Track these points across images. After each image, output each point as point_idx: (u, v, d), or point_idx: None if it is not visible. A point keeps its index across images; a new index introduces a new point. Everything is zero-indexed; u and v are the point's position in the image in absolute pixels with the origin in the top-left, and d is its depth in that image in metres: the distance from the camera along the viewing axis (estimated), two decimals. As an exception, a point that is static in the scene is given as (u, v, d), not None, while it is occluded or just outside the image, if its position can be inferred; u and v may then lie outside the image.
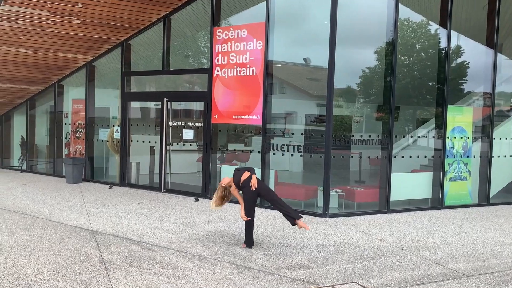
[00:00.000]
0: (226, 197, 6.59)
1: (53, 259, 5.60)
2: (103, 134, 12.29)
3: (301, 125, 12.85)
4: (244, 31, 9.36)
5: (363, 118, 11.14)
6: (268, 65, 9.14)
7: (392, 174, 9.20)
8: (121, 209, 8.81)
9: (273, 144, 9.32)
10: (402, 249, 6.68)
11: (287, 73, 11.52)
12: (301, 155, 9.33)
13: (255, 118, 9.29)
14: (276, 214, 8.66)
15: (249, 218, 6.38)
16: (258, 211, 8.21)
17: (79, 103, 12.54)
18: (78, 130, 12.61)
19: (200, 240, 6.77)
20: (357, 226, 7.95)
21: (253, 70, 9.25)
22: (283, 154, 9.40)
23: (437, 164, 9.86)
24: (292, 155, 9.27)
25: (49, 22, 10.12)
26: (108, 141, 12.09)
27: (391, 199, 9.20)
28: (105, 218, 8.02)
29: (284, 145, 9.32)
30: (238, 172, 6.55)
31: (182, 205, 9.36)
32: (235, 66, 9.48)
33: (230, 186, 6.52)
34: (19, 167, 14.06)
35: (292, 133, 10.35)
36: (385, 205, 9.20)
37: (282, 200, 6.50)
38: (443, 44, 9.86)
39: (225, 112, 9.68)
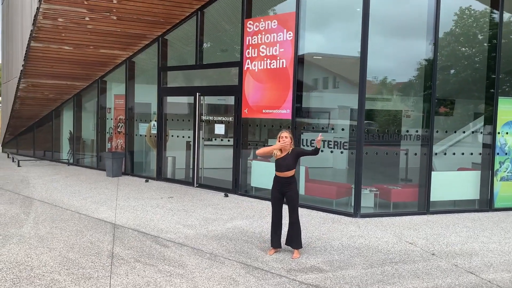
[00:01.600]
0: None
1: (64, 252, 5.63)
2: (142, 129, 12.46)
3: (346, 120, 12.30)
4: (274, 22, 9.04)
5: (413, 113, 10.40)
6: (298, 56, 8.76)
7: (433, 173, 8.51)
8: (150, 203, 8.83)
9: (306, 139, 8.90)
10: (433, 254, 6.10)
11: (338, 66, 10.98)
12: (341, 152, 8.88)
13: (284, 112, 8.95)
14: (302, 212, 8.29)
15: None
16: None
17: (120, 98, 12.80)
18: (119, 125, 12.87)
19: (217, 237, 6.57)
20: (388, 228, 7.41)
21: (283, 62, 8.91)
22: (322, 151, 8.93)
23: (486, 162, 9.01)
24: (332, 151, 8.87)
25: (87, 19, 10.34)
26: (146, 135, 12.24)
27: (431, 199, 8.52)
28: (131, 211, 8.05)
29: (324, 141, 8.88)
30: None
31: (210, 200, 9.23)
32: (265, 59, 9.18)
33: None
34: (67, 161, 14.63)
35: (333, 129, 9.84)
36: (424, 206, 8.53)
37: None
38: (493, 30, 8.97)
39: (255, 106, 9.42)
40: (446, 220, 8.05)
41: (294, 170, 5.89)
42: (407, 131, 8.73)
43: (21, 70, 12.41)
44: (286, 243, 5.96)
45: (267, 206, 8.63)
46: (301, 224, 7.24)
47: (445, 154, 9.04)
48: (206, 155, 10.93)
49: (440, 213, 8.52)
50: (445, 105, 10.03)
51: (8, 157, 16.30)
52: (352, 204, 8.43)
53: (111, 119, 13.23)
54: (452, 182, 8.83)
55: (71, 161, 14.57)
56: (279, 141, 5.86)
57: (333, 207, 8.56)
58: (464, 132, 9.75)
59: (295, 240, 5.86)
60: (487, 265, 5.71)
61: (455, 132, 9.28)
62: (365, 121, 10.04)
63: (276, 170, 5.92)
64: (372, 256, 5.92)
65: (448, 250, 6.28)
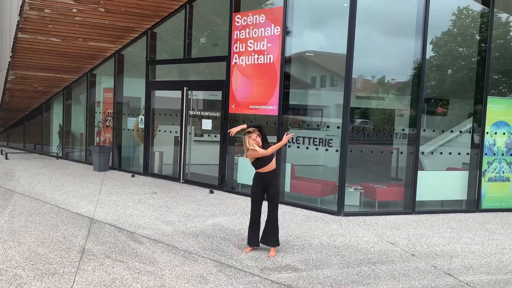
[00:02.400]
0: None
1: (33, 247, 5.51)
2: (130, 123, 12.33)
3: (338, 119, 12.16)
4: (262, 16, 8.89)
5: (405, 112, 10.24)
6: (285, 52, 8.61)
7: (419, 172, 8.39)
8: (132, 198, 8.71)
9: (303, 138, 8.73)
10: (413, 255, 5.99)
11: (327, 63, 10.83)
12: (326, 149, 8.73)
13: (271, 109, 8.82)
14: (285, 210, 8.19)
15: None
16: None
17: (109, 92, 12.66)
18: (108, 118, 12.74)
19: (194, 234, 6.45)
20: (371, 227, 7.29)
21: (270, 57, 8.77)
22: (317, 149, 8.83)
23: (474, 163, 8.89)
24: (317, 148, 8.73)
25: (74, 10, 10.18)
26: (134, 130, 12.11)
27: (417, 199, 8.40)
28: (111, 206, 7.93)
29: (316, 138, 8.72)
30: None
31: (194, 196, 9.11)
32: (253, 54, 9.04)
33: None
34: (56, 154, 14.50)
35: (328, 126, 9.64)
36: (410, 205, 8.42)
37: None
38: (483, 29, 8.84)
39: (242, 102, 9.28)
40: (431, 221, 7.93)
41: (274, 161, 5.77)
42: (402, 130, 8.59)
43: (9, 62, 12.27)
44: (261, 241, 5.83)
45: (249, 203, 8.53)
46: (283, 222, 7.17)
47: (432, 153, 8.92)
48: (195, 150, 10.79)
49: (425, 213, 8.41)
50: (437, 104, 9.92)
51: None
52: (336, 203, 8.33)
53: (100, 112, 13.09)
54: (439, 182, 8.71)
55: (60, 154, 14.44)
56: (249, 145, 5.64)
57: (317, 205, 8.43)
58: (453, 131, 9.63)
59: (272, 238, 5.73)
60: (467, 267, 5.60)
61: (443, 131, 9.16)
62: (359, 119, 9.99)
63: (259, 168, 5.73)
64: (350, 256, 5.80)
65: (429, 251, 6.16)
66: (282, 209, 8.27)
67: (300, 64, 9.52)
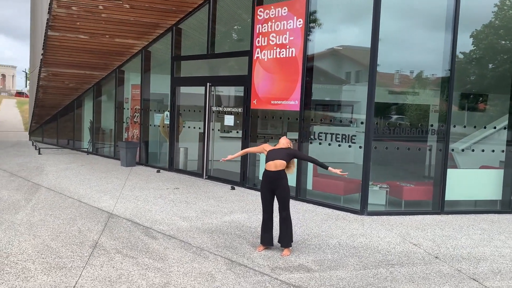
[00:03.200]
0: None
1: (48, 240, 5.55)
2: (157, 119, 12.40)
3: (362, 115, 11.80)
4: (284, 9, 8.68)
5: (438, 107, 9.77)
6: (307, 45, 8.37)
7: (449, 170, 7.97)
8: (154, 193, 8.71)
9: (327, 134, 8.46)
10: (436, 257, 5.65)
11: (353, 56, 10.51)
12: (349, 146, 8.43)
13: (292, 104, 8.60)
14: (307, 208, 7.97)
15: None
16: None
17: (137, 88, 12.77)
18: (135, 115, 12.86)
19: (210, 231, 6.35)
20: (395, 227, 6.97)
21: (292, 51, 8.55)
22: (339, 145, 8.57)
23: (510, 161, 8.37)
24: (350, 146, 8.44)
25: (100, 7, 10.29)
26: (160, 126, 12.16)
27: (446, 198, 7.98)
28: (132, 201, 7.95)
29: (344, 135, 8.42)
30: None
31: (215, 193, 9.02)
32: (275, 48, 8.85)
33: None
34: (86, 149, 14.80)
35: (362, 122, 9.31)
36: (438, 205, 8.01)
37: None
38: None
39: (264, 97, 9.11)
40: (461, 221, 7.51)
41: (284, 164, 5.54)
42: (431, 126, 8.19)
43: (41, 59, 12.58)
44: (278, 241, 5.65)
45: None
46: (302, 221, 6.97)
47: (463, 151, 8.45)
48: (221, 147, 10.68)
49: (455, 214, 7.99)
50: (476, 100, 9.42)
51: (32, 145, 16.67)
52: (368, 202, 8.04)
53: (128, 109, 13.24)
54: (471, 181, 8.25)
55: (90, 150, 14.73)
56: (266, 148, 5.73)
57: (340, 204, 8.16)
58: (487, 127, 9.09)
59: (284, 238, 5.54)
60: (495, 271, 5.22)
61: (475, 127, 8.65)
62: (391, 115, 9.62)
63: (266, 163, 5.60)
64: (368, 257, 5.54)
65: (455, 254, 5.81)
66: (304, 207, 8.07)
67: (325, 58, 9.24)
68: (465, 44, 8.57)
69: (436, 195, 8.09)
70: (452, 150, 8.54)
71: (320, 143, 8.44)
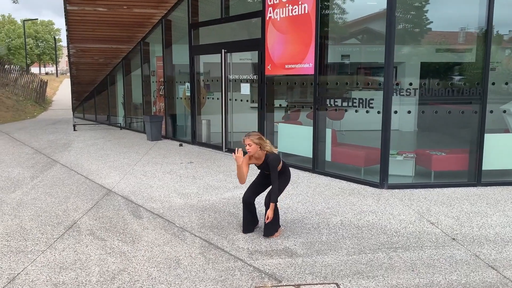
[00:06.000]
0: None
1: (25, 221, 5.33)
2: (181, 91, 12.00)
3: (412, 77, 10.68)
4: (295, -39, 7.77)
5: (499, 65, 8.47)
6: None
7: (486, 135, 6.87)
8: (165, 168, 8.36)
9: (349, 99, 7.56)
10: (453, 239, 4.80)
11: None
12: (366, 111, 7.50)
13: (306, 67, 7.78)
14: (321, 181, 7.25)
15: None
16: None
17: (160, 60, 12.40)
18: (161, 87, 12.54)
19: (203, 208, 5.87)
20: (415, 202, 6.10)
21: (304, 7, 7.67)
22: (367, 111, 7.67)
23: None
24: (356, 111, 7.53)
25: (113, -24, 9.91)
26: (182, 98, 11.77)
27: (483, 168, 6.92)
28: (138, 177, 7.64)
29: (362, 99, 7.53)
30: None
31: (228, 166, 8.51)
32: (287, 5, 7.99)
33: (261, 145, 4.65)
34: (120, 125, 14.82)
35: (411, 83, 8.28)
36: (474, 176, 6.98)
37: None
38: None
39: (278, 61, 8.34)
40: (499, 195, 6.47)
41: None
42: (464, 84, 7.09)
43: (67, 36, 12.53)
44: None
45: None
46: (310, 196, 6.38)
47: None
48: (244, 118, 10.03)
49: (495, 185, 6.92)
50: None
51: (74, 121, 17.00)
52: (391, 173, 7.20)
53: (154, 82, 12.95)
54: (515, 147, 7.09)
55: (124, 125, 14.72)
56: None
57: (360, 176, 7.35)
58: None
59: (266, 226, 4.90)
60: (523, 257, 4.31)
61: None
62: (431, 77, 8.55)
63: None
64: (370, 239, 4.80)
65: (478, 235, 4.91)
66: (319, 180, 7.37)
67: (342, 14, 8.24)
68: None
69: (471, 165, 7.04)
70: (504, 111, 7.39)
71: (367, 111, 7.42)
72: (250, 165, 4.90)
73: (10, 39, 50.85)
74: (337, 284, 3.78)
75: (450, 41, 8.95)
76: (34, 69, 64.71)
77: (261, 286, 3.74)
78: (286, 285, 3.76)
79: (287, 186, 5.16)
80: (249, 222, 5.01)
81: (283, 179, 4.84)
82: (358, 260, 4.25)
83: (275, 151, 4.78)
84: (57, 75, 53.92)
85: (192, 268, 4.06)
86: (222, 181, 7.37)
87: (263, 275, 3.94)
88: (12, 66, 24.95)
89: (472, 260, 4.25)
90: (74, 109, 18.66)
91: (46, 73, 62.49)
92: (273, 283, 3.79)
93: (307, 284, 3.78)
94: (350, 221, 5.36)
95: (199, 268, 4.06)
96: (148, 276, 3.89)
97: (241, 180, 4.72)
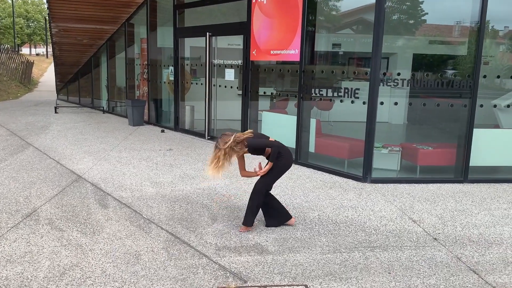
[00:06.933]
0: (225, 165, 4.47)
1: (-18, 207, 4.99)
2: (165, 75, 11.59)
3: (403, 69, 10.36)
4: None
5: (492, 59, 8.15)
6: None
7: (475, 130, 6.60)
8: (142, 155, 8.02)
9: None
10: (435, 239, 4.53)
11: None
12: (351, 102, 7.18)
13: (292, 53, 7.44)
14: (302, 173, 6.95)
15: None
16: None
17: (145, 42, 11.96)
18: (145, 71, 12.12)
19: (175, 199, 5.55)
20: (398, 198, 5.83)
21: (291, -11, 7.30)
22: (352, 102, 7.33)
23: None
24: (341, 101, 7.21)
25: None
26: (166, 82, 11.37)
27: (470, 164, 6.66)
28: (112, 163, 7.30)
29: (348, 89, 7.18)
30: (258, 135, 4.67)
31: (209, 155, 8.14)
32: (273, -13, 7.62)
33: (234, 148, 4.39)
34: (102, 108, 14.40)
35: (399, 73, 7.93)
36: (461, 172, 6.72)
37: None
38: None
39: (264, 47, 7.98)
40: (486, 192, 6.22)
41: (266, 151, 4.54)
42: (453, 76, 6.79)
43: (48, 14, 12.03)
44: None
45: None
46: (290, 188, 6.09)
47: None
48: (232, 105, 9.66)
49: (482, 182, 6.67)
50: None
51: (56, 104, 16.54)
52: (375, 166, 6.92)
53: (138, 65, 12.52)
54: (505, 143, 6.83)
55: (106, 109, 14.30)
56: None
57: (343, 169, 7.06)
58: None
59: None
60: (507, 261, 4.05)
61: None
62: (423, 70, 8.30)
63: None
64: (347, 236, 4.52)
65: (461, 235, 4.65)
66: (300, 172, 7.07)
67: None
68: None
69: (459, 160, 6.78)
70: (494, 106, 7.12)
71: (364, 103, 7.07)
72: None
73: (0, 18, 49.71)
74: (306, 286, 3.50)
75: (444, 34, 8.66)
76: (25, 50, 63.58)
77: (224, 287, 3.45)
78: (251, 286, 3.47)
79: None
80: (267, 215, 4.72)
81: (277, 144, 4.53)
82: (332, 260, 3.97)
83: (248, 133, 4.49)
84: (47, 56, 52.79)
85: (152, 265, 3.75)
86: (200, 170, 7.05)
87: (228, 274, 3.64)
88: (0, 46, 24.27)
89: (453, 263, 3.98)
90: (58, 91, 18.20)
91: (37, 54, 61.29)
92: (237, 284, 3.50)
93: (274, 286, 3.49)
94: (328, 217, 5.07)
95: (159, 265, 3.76)
96: (102, 273, 3.58)
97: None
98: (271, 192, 4.75)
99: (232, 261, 3.88)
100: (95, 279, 3.48)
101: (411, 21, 8.85)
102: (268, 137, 4.64)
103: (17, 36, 49.45)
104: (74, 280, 3.44)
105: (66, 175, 6.50)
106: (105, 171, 6.80)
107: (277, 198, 4.85)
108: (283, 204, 4.88)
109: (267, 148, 4.49)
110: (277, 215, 4.71)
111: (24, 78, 23.90)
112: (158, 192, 5.84)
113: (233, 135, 4.39)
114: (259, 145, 4.47)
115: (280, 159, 4.50)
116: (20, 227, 4.47)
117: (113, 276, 3.53)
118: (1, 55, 23.24)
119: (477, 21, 6.54)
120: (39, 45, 72.05)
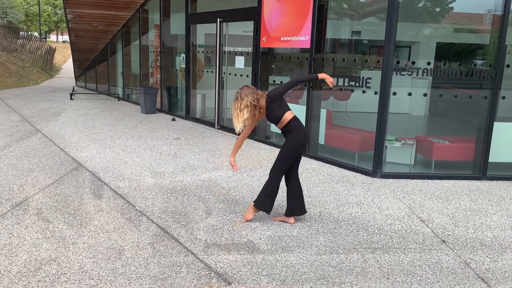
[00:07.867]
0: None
1: (-26, 195, 4.89)
2: (178, 62, 11.38)
3: (426, 58, 9.89)
4: None
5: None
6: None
7: (495, 124, 6.15)
8: (148, 143, 7.86)
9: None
10: (443, 241, 4.19)
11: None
12: (363, 91, 6.81)
13: (303, 40, 7.09)
14: (311, 166, 6.64)
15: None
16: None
17: (158, 29, 11.76)
18: (158, 58, 11.95)
19: (173, 190, 5.35)
20: (408, 195, 5.48)
21: (303, -28, 6.94)
22: (376, 93, 6.98)
23: None
24: (352, 91, 6.85)
25: None
26: (179, 70, 11.16)
27: (489, 160, 6.23)
28: (116, 152, 7.15)
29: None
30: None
31: (216, 145, 7.95)
32: (285, -29, 7.27)
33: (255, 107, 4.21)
34: (117, 95, 14.33)
35: (413, 62, 7.48)
36: (479, 168, 6.29)
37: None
38: None
39: (274, 33, 7.66)
40: (505, 191, 5.80)
41: (284, 119, 4.30)
42: (474, 65, 6.33)
43: (63, 0, 11.96)
44: None
45: (269, 157, 7.17)
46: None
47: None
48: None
49: (502, 180, 6.24)
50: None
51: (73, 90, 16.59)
52: (388, 160, 6.58)
53: (152, 52, 12.35)
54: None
55: (121, 96, 14.23)
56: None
57: (353, 163, 6.72)
58: None
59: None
60: (521, 268, 3.69)
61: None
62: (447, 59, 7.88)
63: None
64: (347, 236, 4.22)
65: (473, 238, 4.28)
66: (308, 165, 6.76)
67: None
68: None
69: (477, 155, 6.35)
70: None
71: (375, 93, 6.72)
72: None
73: (28, 5, 50.49)
74: (294, 290, 3.24)
75: (471, 22, 8.16)
76: (53, 37, 64.49)
77: (206, 289, 3.22)
78: (235, 289, 3.23)
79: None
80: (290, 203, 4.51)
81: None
82: (327, 262, 3.69)
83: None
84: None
85: (134, 262, 3.55)
86: (203, 160, 6.83)
87: (213, 275, 3.41)
88: (23, 33, 24.58)
89: (460, 269, 3.65)
90: (77, 77, 18.26)
91: (63, 41, 62.21)
92: (220, 285, 3.26)
93: (259, 289, 3.24)
94: (330, 214, 4.78)
95: (141, 262, 3.55)
96: (79, 269, 3.40)
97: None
98: (298, 178, 4.53)
99: (219, 260, 3.64)
100: (70, 275, 3.30)
101: (437, 9, 8.38)
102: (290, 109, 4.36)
103: (45, 24, 50.19)
104: (48, 277, 3.26)
105: (67, 163, 6.38)
106: (107, 160, 6.66)
107: (293, 187, 4.50)
108: (285, 200, 4.61)
109: (283, 117, 4.26)
110: (288, 203, 4.49)
111: (46, 64, 24.15)
112: (156, 182, 5.65)
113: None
114: (280, 92, 4.28)
115: (290, 138, 4.27)
116: (7, 217, 4.34)
117: (90, 273, 3.34)
118: (25, 41, 23.51)
119: (500, 9, 6.05)
120: (65, 33, 73.16)
